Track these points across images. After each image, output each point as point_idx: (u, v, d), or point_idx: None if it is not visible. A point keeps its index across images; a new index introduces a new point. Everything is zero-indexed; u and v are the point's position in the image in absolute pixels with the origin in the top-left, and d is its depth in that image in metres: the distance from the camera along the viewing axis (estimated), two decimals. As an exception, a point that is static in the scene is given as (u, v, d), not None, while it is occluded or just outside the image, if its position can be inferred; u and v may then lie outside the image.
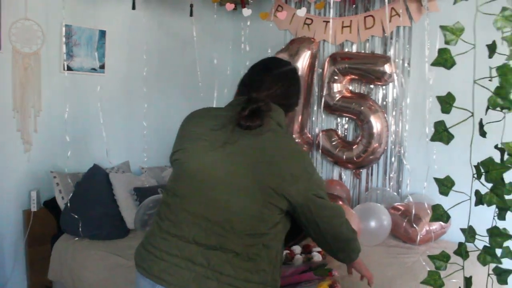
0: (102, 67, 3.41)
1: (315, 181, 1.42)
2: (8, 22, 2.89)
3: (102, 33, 3.38)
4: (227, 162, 1.36)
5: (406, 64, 3.35)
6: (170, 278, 1.32)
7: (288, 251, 2.48)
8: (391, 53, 3.40)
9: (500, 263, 1.17)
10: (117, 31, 3.49)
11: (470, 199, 1.17)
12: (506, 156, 1.20)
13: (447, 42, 1.03)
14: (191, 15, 3.49)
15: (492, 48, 1.07)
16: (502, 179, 1.11)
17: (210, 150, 1.39)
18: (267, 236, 1.37)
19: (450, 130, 1.12)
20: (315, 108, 3.84)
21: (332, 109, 3.58)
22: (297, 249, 2.52)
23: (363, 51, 3.56)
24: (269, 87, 1.55)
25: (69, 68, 3.19)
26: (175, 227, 1.37)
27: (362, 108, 3.37)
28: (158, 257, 1.36)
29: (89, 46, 3.32)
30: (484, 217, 1.32)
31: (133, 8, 3.23)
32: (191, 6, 3.49)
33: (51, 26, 3.11)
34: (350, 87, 3.59)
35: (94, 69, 3.37)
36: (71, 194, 2.98)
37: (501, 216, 1.17)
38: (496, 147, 1.17)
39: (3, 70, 2.89)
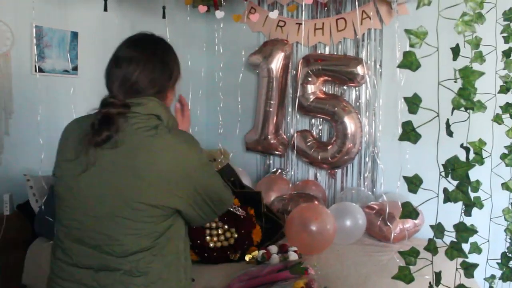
0: (75, 68, 3.39)
1: (203, 173, 1.34)
2: (-24, 24, 2.85)
3: (74, 35, 3.36)
4: (93, 186, 1.28)
5: (378, 66, 3.41)
6: None
7: (264, 251, 2.51)
8: (363, 55, 3.46)
9: (466, 257, 1.22)
10: (89, 32, 3.47)
11: (438, 196, 1.22)
12: (472, 155, 1.26)
13: (411, 45, 1.08)
14: (163, 17, 3.50)
15: (456, 51, 1.12)
16: (467, 177, 1.16)
17: (76, 173, 1.29)
18: (156, 247, 1.30)
19: (418, 130, 1.17)
20: (290, 109, 3.88)
21: (306, 110, 3.63)
22: (273, 248, 2.55)
23: (335, 53, 3.61)
24: (127, 75, 1.34)
25: (40, 70, 3.16)
26: (64, 254, 1.34)
27: (336, 109, 3.42)
28: (57, 284, 1.34)
29: (61, 48, 3.30)
30: (454, 214, 1.38)
31: (105, 9, 3.21)
32: (164, 8, 3.49)
33: (21, 27, 3.07)
34: (324, 88, 3.64)
35: (66, 71, 3.34)
36: (45, 197, 2.96)
37: (468, 212, 1.23)
38: (461, 146, 1.23)
39: (-28, 73, 2.85)
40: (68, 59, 3.33)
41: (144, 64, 1.35)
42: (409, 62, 1.08)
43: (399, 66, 1.09)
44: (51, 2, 3.22)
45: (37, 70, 3.12)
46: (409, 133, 1.13)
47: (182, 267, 1.40)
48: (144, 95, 1.33)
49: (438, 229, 1.22)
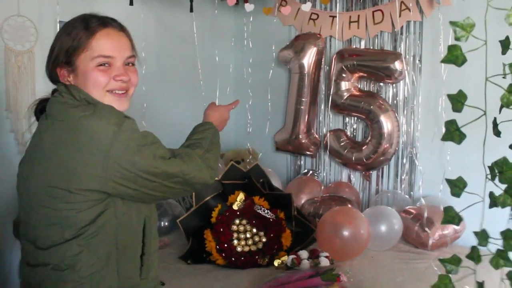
0: (99, 65, 3.44)
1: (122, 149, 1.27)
2: (0, 18, 2.92)
3: (99, 30, 3.40)
4: (22, 177, 1.39)
5: (417, 61, 3.36)
6: None
7: (294, 256, 2.51)
8: (401, 49, 3.41)
9: (514, 267, 1.19)
10: (114, 27, 3.51)
11: (483, 200, 1.19)
12: (521, 156, 1.22)
13: (457, 39, 1.05)
14: (191, 10, 3.52)
15: (505, 44, 1.09)
16: (517, 180, 1.13)
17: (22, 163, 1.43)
18: (82, 237, 1.26)
19: (463, 130, 1.14)
20: (322, 107, 3.86)
21: (340, 108, 3.60)
22: (303, 253, 2.54)
23: (372, 47, 3.57)
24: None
25: (64, 67, 3.21)
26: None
27: (371, 107, 3.39)
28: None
29: (85, 44, 3.35)
30: (499, 220, 1.34)
31: (131, 3, 3.26)
32: (191, 1, 3.51)
33: (45, 22, 3.13)
34: (359, 85, 3.61)
35: (90, 67, 3.40)
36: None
37: (516, 218, 1.19)
38: (510, 146, 1.19)
39: (-5, 69, 2.92)
40: (92, 55, 3.38)
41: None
42: (454, 57, 1.06)
43: (443, 61, 1.07)
44: (76, -4, 3.28)
45: (61, 66, 3.17)
46: (453, 133, 1.11)
47: (131, 261, 1.36)
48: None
49: (483, 236, 1.19)
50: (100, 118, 1.27)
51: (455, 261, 1.20)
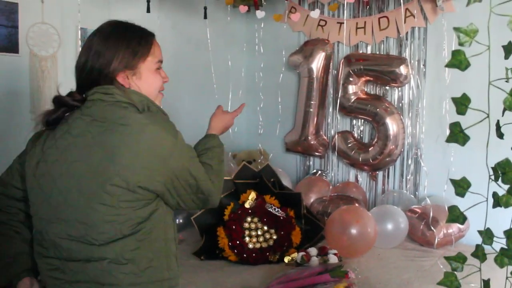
0: (117, 70, 3.46)
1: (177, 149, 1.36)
2: (25, 26, 2.95)
3: (117, 36, 3.42)
4: (53, 174, 1.34)
5: (421, 65, 3.34)
6: None
7: (304, 253, 2.50)
8: (406, 54, 3.39)
9: (518, 265, 1.17)
10: (131, 34, 3.53)
11: (487, 200, 1.18)
12: (523, 157, 1.21)
13: (461, 44, 1.04)
14: (205, 17, 3.53)
15: (508, 49, 1.08)
16: (519, 181, 1.12)
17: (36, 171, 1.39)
18: (140, 233, 1.31)
19: (467, 132, 1.13)
20: (331, 109, 3.85)
21: (347, 110, 3.59)
22: (313, 251, 2.53)
23: (378, 53, 3.56)
24: (82, 68, 1.47)
25: (85, 71, 3.24)
26: (54, 251, 1.36)
27: (377, 109, 3.37)
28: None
29: (104, 49, 3.37)
30: (503, 219, 1.33)
31: (148, 11, 3.27)
32: (205, 8, 3.52)
33: (67, 29, 3.17)
34: (366, 89, 3.59)
35: (109, 72, 3.42)
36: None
37: (519, 217, 1.18)
38: (512, 148, 1.18)
39: (21, 73, 2.95)
40: (111, 60, 3.40)
41: (87, 57, 1.44)
42: (458, 61, 1.05)
43: (447, 66, 1.06)
44: (96, 5, 3.30)
45: (82, 71, 3.20)
46: (457, 135, 1.10)
47: (173, 255, 1.42)
48: (97, 85, 1.40)
49: (487, 234, 1.18)
50: (162, 127, 1.34)
51: (461, 259, 1.19)
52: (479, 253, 1.19)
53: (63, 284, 1.32)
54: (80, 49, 3.18)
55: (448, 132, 1.17)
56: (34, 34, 3.00)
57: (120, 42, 1.43)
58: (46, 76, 3.06)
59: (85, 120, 1.34)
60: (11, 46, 2.89)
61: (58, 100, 1.45)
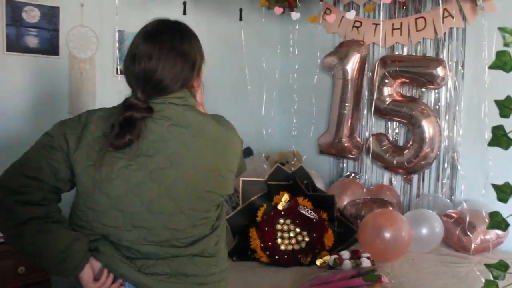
0: (154, 71, 3.50)
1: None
2: (65, 29, 3.02)
3: (154, 38, 3.46)
4: (135, 180, 1.28)
5: (459, 67, 3.25)
6: None
7: (336, 256, 2.47)
8: (443, 55, 3.31)
9: None
10: (167, 35, 3.57)
11: (530, 207, 1.13)
12: None
13: (506, 44, 1.00)
14: (240, 19, 3.53)
15: (555, 50, 1.03)
16: None
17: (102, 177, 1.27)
18: (218, 229, 1.43)
19: (510, 135, 1.09)
20: (365, 111, 3.79)
21: (382, 113, 3.53)
22: (345, 254, 2.50)
23: (414, 54, 3.48)
24: (148, 73, 1.30)
25: (121, 72, 3.29)
26: (127, 251, 1.35)
27: (413, 112, 3.30)
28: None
29: (141, 51, 3.41)
30: (545, 226, 1.27)
31: (184, 13, 3.30)
32: (241, 10, 3.53)
33: (105, 32, 3.22)
34: (401, 91, 3.53)
35: (145, 74, 3.46)
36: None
37: None
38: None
39: (61, 75, 3.02)
40: (147, 62, 3.45)
41: (165, 60, 1.31)
42: (503, 62, 1.00)
43: (491, 67, 1.02)
44: (133, 7, 3.35)
45: (119, 73, 3.25)
46: (500, 138, 1.05)
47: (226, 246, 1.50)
48: (169, 92, 1.32)
49: (530, 242, 1.13)
50: (235, 133, 1.43)
51: (503, 266, 1.14)
52: (521, 262, 1.14)
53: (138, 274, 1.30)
54: (117, 51, 3.24)
55: (487, 135, 1.12)
56: (73, 37, 3.06)
57: (197, 45, 1.44)
58: (84, 78, 3.12)
59: (161, 124, 1.28)
60: (52, 49, 2.96)
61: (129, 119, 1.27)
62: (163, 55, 1.31)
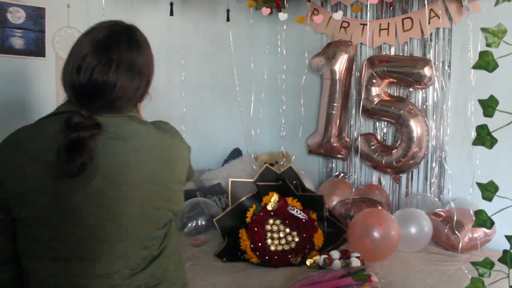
0: (141, 72, 3.49)
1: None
2: (52, 30, 3.01)
3: (141, 39, 3.46)
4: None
5: (446, 67, 3.28)
6: None
7: (326, 256, 2.48)
8: (430, 55, 3.34)
9: (547, 271, 1.14)
10: (155, 36, 3.53)
11: (515, 204, 1.15)
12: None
13: (488, 45, 1.02)
14: (228, 20, 3.54)
15: (537, 50, 1.05)
16: (549, 185, 1.08)
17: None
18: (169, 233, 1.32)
19: (494, 134, 1.10)
20: (353, 112, 3.82)
21: (370, 113, 3.55)
22: (335, 254, 2.51)
23: (401, 54, 3.51)
24: (96, 88, 1.14)
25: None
26: None
27: (401, 111, 3.33)
28: None
29: (129, 52, 3.41)
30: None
31: (171, 14, 3.30)
32: (228, 11, 3.54)
33: (92, 33, 3.21)
34: (389, 91, 3.55)
35: (133, 75, 3.45)
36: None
37: (548, 222, 1.14)
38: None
39: (47, 76, 3.00)
40: (135, 63, 3.44)
41: (122, 76, 1.17)
42: (486, 63, 1.02)
43: (474, 67, 1.04)
44: (120, 8, 3.35)
45: (106, 74, 3.23)
46: (485, 138, 1.07)
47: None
48: (121, 110, 1.18)
49: (515, 240, 1.15)
50: (181, 139, 1.30)
51: (488, 264, 1.16)
52: (507, 259, 1.15)
53: None
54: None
55: (473, 134, 1.14)
56: (60, 38, 3.05)
57: (150, 58, 1.30)
58: (71, 79, 3.11)
59: (98, 139, 1.12)
60: (38, 50, 2.95)
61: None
62: (119, 71, 1.16)
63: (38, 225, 1.10)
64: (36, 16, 2.92)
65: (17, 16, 2.85)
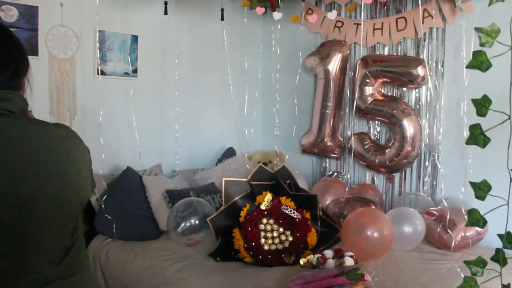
0: (135, 71, 3.49)
1: None
2: (45, 28, 2.99)
3: (135, 38, 3.45)
4: None
5: (439, 66, 3.29)
6: None
7: (320, 255, 2.48)
8: (424, 55, 3.35)
9: (539, 270, 1.14)
10: (149, 35, 3.56)
11: (507, 203, 1.15)
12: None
13: (482, 44, 1.02)
14: (222, 19, 3.53)
15: (530, 50, 1.05)
16: (541, 184, 1.09)
17: None
18: None
19: (487, 133, 1.11)
20: (347, 111, 3.82)
21: (364, 112, 3.56)
22: (328, 253, 2.51)
23: (395, 54, 3.52)
24: None
25: (102, 73, 3.27)
26: None
27: (394, 111, 3.34)
28: None
29: (122, 51, 3.40)
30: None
31: (165, 13, 3.29)
32: (222, 10, 3.53)
33: (85, 32, 3.20)
34: (382, 90, 3.56)
35: (127, 74, 3.44)
36: (105, 196, 3.05)
37: (541, 221, 1.15)
38: (534, 151, 1.15)
39: (40, 75, 2.98)
40: (128, 62, 3.43)
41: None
42: (479, 62, 1.02)
43: (468, 67, 1.04)
44: (114, 7, 3.33)
45: (99, 73, 3.23)
46: (478, 137, 1.07)
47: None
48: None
49: (508, 238, 1.15)
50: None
51: (481, 263, 1.16)
52: (499, 257, 1.16)
53: None
54: (98, 51, 3.21)
55: (466, 134, 1.14)
56: (53, 36, 3.03)
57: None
58: (64, 78, 3.09)
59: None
60: (31, 49, 2.93)
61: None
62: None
63: None
64: (29, 14, 2.90)
65: (9, 15, 2.83)
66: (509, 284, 1.18)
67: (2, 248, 1.12)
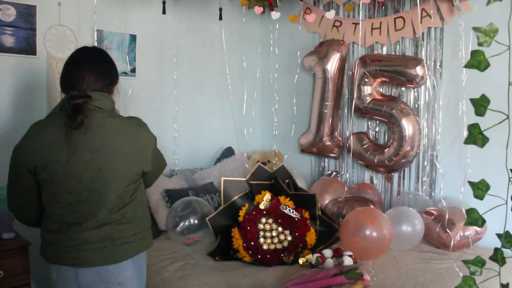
0: (133, 70, 3.48)
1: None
2: (43, 28, 2.98)
3: (133, 38, 3.45)
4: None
5: (438, 66, 3.30)
6: None
7: (318, 254, 2.48)
8: (422, 54, 3.35)
9: (538, 269, 1.14)
10: (147, 35, 3.56)
11: (506, 203, 1.15)
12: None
13: (480, 44, 1.02)
14: (220, 18, 3.53)
15: (528, 49, 1.05)
16: (540, 183, 1.09)
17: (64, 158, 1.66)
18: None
19: (485, 133, 1.11)
20: (346, 111, 3.82)
21: (362, 112, 3.56)
22: (327, 252, 2.52)
23: (393, 53, 3.52)
24: (84, 78, 1.76)
25: (101, 73, 3.25)
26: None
27: (393, 111, 3.34)
28: None
29: (120, 50, 3.40)
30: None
31: (164, 12, 3.29)
32: (220, 10, 3.53)
33: (83, 31, 3.19)
34: (381, 90, 3.57)
35: (125, 73, 3.44)
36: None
37: (539, 221, 1.15)
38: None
39: (38, 75, 2.98)
40: (126, 62, 3.43)
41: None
42: (477, 62, 1.02)
43: (466, 66, 1.04)
44: (112, 7, 3.33)
45: (98, 72, 3.21)
46: (476, 136, 1.07)
47: None
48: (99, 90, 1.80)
49: (506, 238, 1.15)
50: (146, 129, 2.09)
51: (479, 262, 1.16)
52: (498, 257, 1.16)
53: None
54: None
55: (465, 133, 1.14)
56: (51, 36, 3.03)
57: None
58: (62, 78, 3.08)
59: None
60: (29, 48, 2.92)
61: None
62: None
63: (52, 184, 1.68)
64: (27, 14, 2.90)
65: (7, 14, 2.83)
66: (507, 284, 1.18)
67: (83, 197, 1.68)
